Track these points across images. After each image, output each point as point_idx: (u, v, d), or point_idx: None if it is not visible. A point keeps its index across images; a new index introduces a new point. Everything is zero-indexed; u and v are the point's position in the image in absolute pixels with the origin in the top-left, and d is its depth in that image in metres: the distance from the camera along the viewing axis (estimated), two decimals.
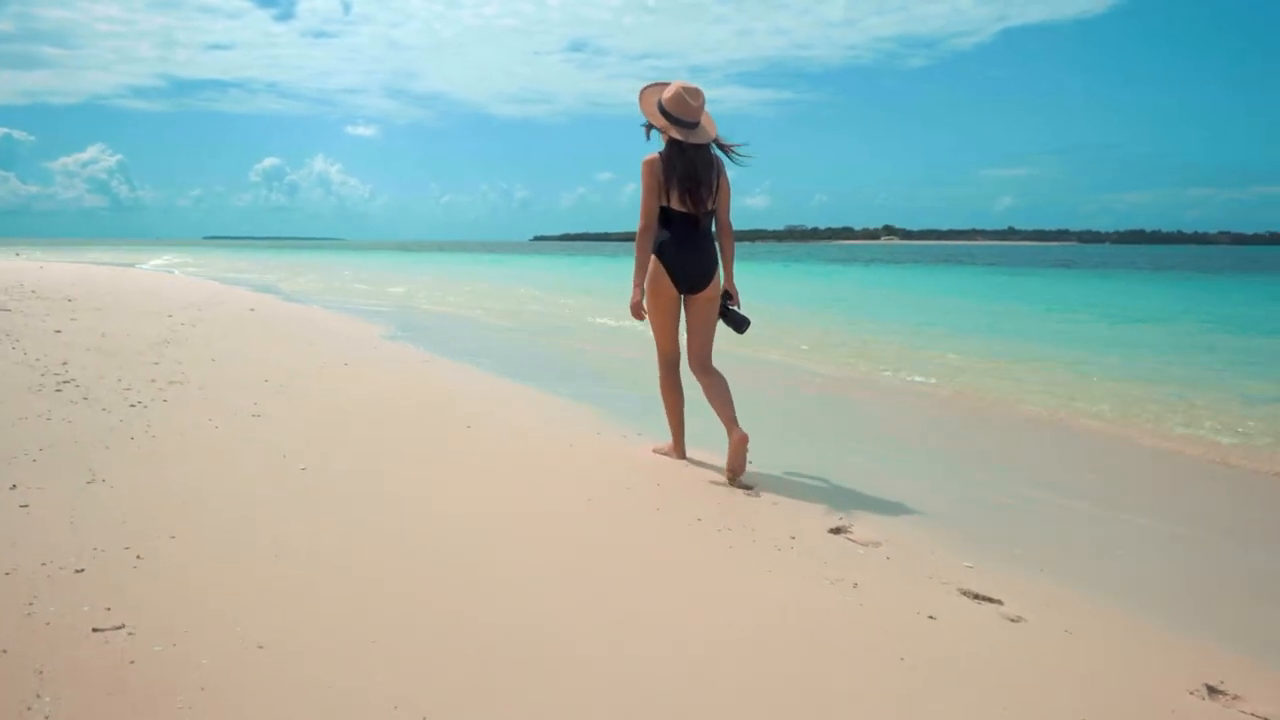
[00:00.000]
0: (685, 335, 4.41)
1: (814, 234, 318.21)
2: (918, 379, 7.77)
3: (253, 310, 12.45)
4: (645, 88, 4.30)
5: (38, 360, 6.42)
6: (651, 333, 4.44)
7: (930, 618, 2.65)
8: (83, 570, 2.66)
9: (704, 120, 4.21)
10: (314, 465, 3.98)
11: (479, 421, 5.21)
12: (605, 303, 16.20)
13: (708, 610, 2.63)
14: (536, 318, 13.91)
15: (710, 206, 4.22)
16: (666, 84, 4.22)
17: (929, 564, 3.14)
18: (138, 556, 2.79)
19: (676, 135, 4.13)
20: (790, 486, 4.11)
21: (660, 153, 4.20)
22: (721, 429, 4.14)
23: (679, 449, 4.50)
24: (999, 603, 2.81)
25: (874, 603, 2.75)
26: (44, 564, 2.69)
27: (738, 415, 4.13)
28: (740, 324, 4.39)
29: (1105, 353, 10.02)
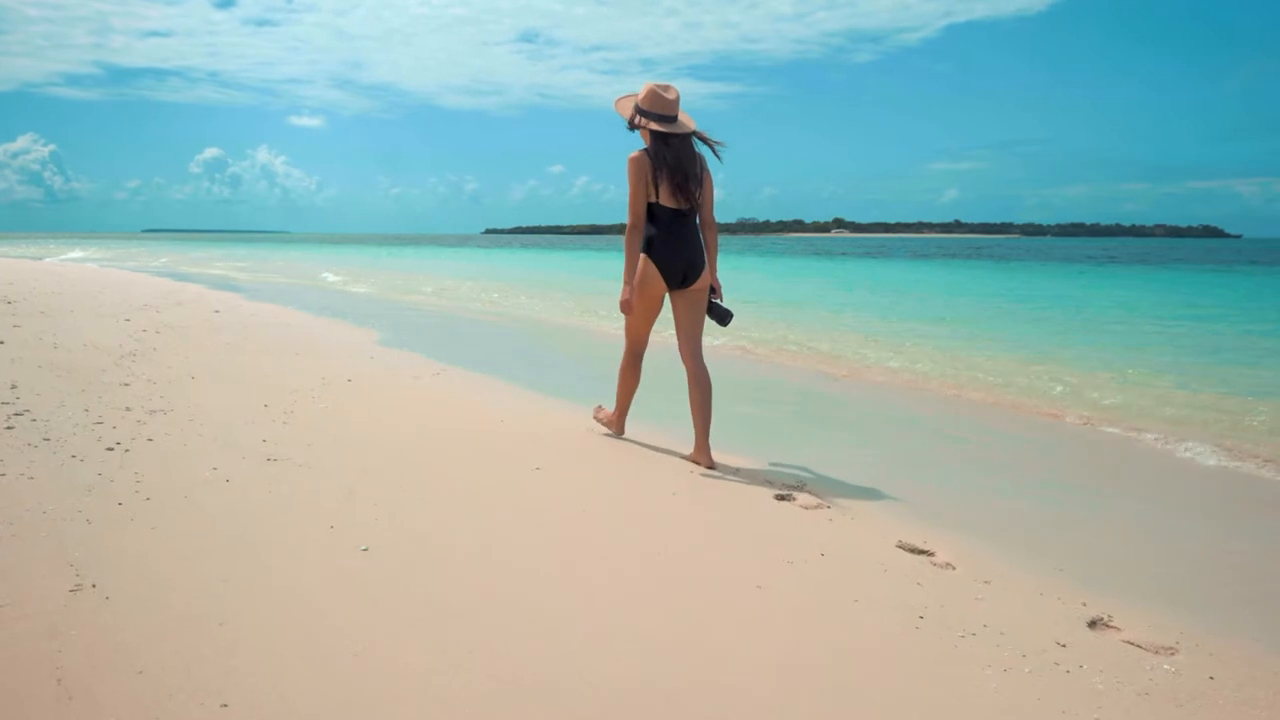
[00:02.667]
0: (675, 328, 4.44)
1: (765, 226, 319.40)
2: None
3: (218, 312, 11.21)
4: (620, 98, 4.42)
5: None
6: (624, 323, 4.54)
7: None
8: None
9: (681, 115, 4.28)
10: (378, 543, 2.94)
11: (543, 457, 4.20)
12: (577, 295, 15.18)
13: None
14: (527, 311, 12.85)
15: (698, 200, 4.28)
16: (637, 93, 4.32)
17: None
18: None
19: (659, 128, 4.19)
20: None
21: (645, 149, 4.26)
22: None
23: (620, 425, 4.71)
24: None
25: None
26: None
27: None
28: (723, 317, 4.44)
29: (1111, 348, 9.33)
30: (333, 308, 13.53)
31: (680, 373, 4.46)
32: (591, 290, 17.97)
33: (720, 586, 2.74)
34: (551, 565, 2.83)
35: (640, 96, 4.26)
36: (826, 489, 3.95)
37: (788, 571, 2.89)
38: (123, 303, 11.67)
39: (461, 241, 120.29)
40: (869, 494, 3.94)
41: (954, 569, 3.01)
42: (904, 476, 4.27)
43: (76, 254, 36.22)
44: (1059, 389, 6.94)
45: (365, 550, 2.86)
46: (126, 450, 3.89)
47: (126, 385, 5.47)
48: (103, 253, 38.69)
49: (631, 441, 4.68)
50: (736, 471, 4.18)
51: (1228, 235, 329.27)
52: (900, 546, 3.20)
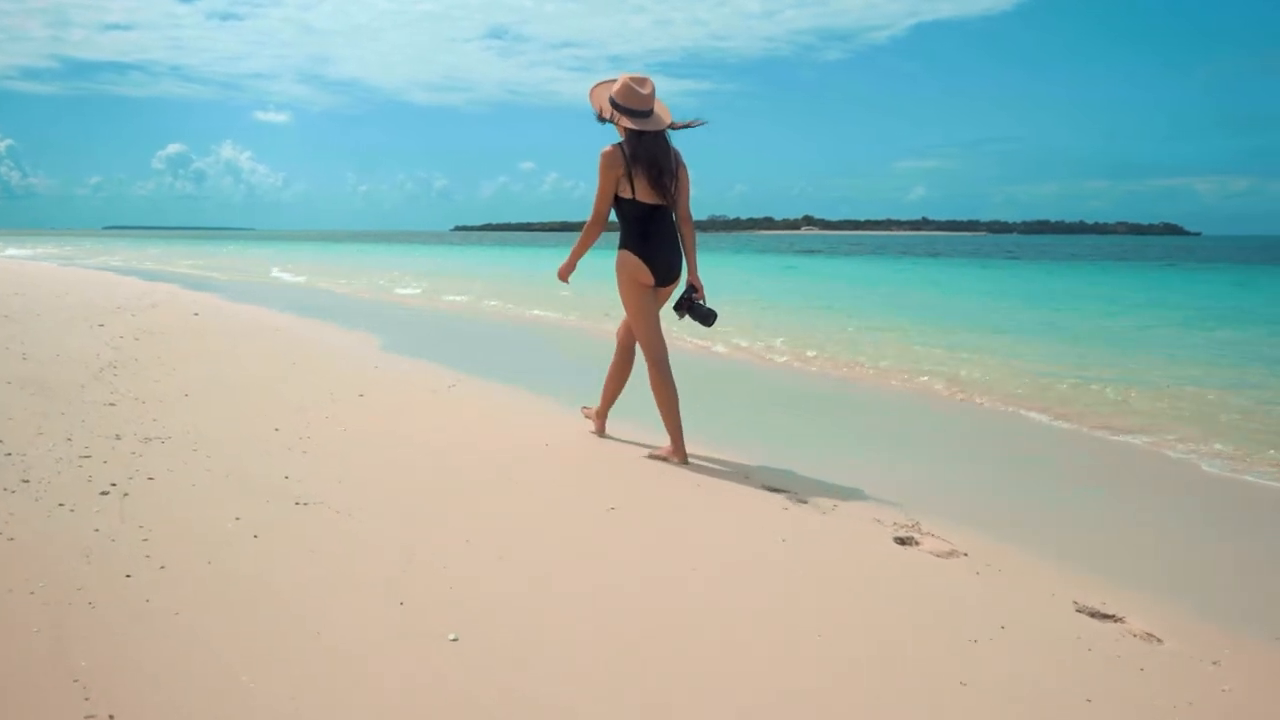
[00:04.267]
0: (624, 321, 4.38)
1: (736, 224, 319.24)
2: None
3: (197, 314, 10.43)
4: (595, 85, 4.29)
5: None
6: (623, 331, 4.54)
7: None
8: None
9: (657, 108, 4.18)
10: (466, 626, 2.31)
11: (613, 492, 3.59)
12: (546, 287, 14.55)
13: None
14: (524, 310, 12.19)
15: (674, 195, 4.18)
16: (613, 80, 4.20)
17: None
18: None
19: (631, 125, 4.09)
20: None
21: (619, 144, 4.15)
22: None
23: (680, 451, 4.23)
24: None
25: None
26: None
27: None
28: (707, 317, 4.27)
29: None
30: (318, 309, 12.78)
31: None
32: (585, 290, 17.32)
33: (868, 648, 2.15)
34: (699, 654, 2.23)
35: (615, 88, 4.15)
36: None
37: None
38: (93, 305, 10.85)
39: (435, 239, 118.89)
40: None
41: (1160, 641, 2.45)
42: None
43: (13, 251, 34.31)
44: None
45: (455, 640, 2.23)
46: (125, 494, 3.22)
47: (112, 405, 4.77)
48: (53, 250, 37.29)
49: (698, 462, 4.09)
50: (749, 483, 3.60)
51: (1188, 233, 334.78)
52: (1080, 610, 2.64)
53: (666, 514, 3.45)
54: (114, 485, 3.31)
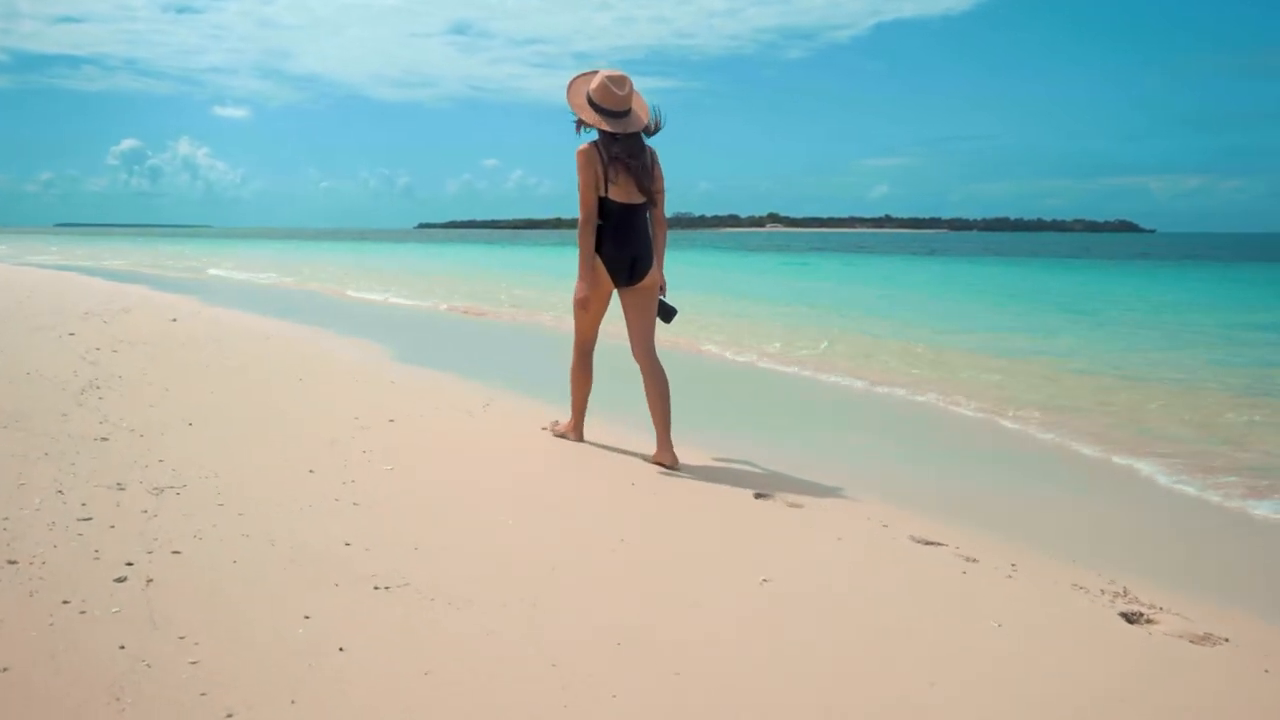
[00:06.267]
0: (626, 329, 4.34)
1: (701, 221, 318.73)
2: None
3: (174, 320, 9.52)
4: (574, 78, 4.25)
5: None
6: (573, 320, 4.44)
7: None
8: None
9: (635, 105, 4.15)
10: None
11: (763, 560, 2.87)
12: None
13: None
14: (519, 309, 11.41)
15: (650, 193, 4.17)
16: (594, 73, 4.17)
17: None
18: None
19: (607, 127, 4.06)
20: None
21: (594, 142, 4.14)
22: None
23: (578, 431, 4.50)
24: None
25: None
26: None
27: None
28: (667, 314, 4.37)
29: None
30: (305, 313, 11.91)
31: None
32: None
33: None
34: None
35: (592, 86, 4.11)
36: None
37: None
38: (58, 310, 9.87)
39: (400, 237, 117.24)
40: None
41: None
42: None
43: None
44: None
45: None
46: (149, 579, 2.42)
47: (104, 440, 3.95)
48: (3, 249, 35.72)
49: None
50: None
51: (1143, 230, 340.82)
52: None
53: (821, 585, 2.73)
54: (130, 566, 2.51)
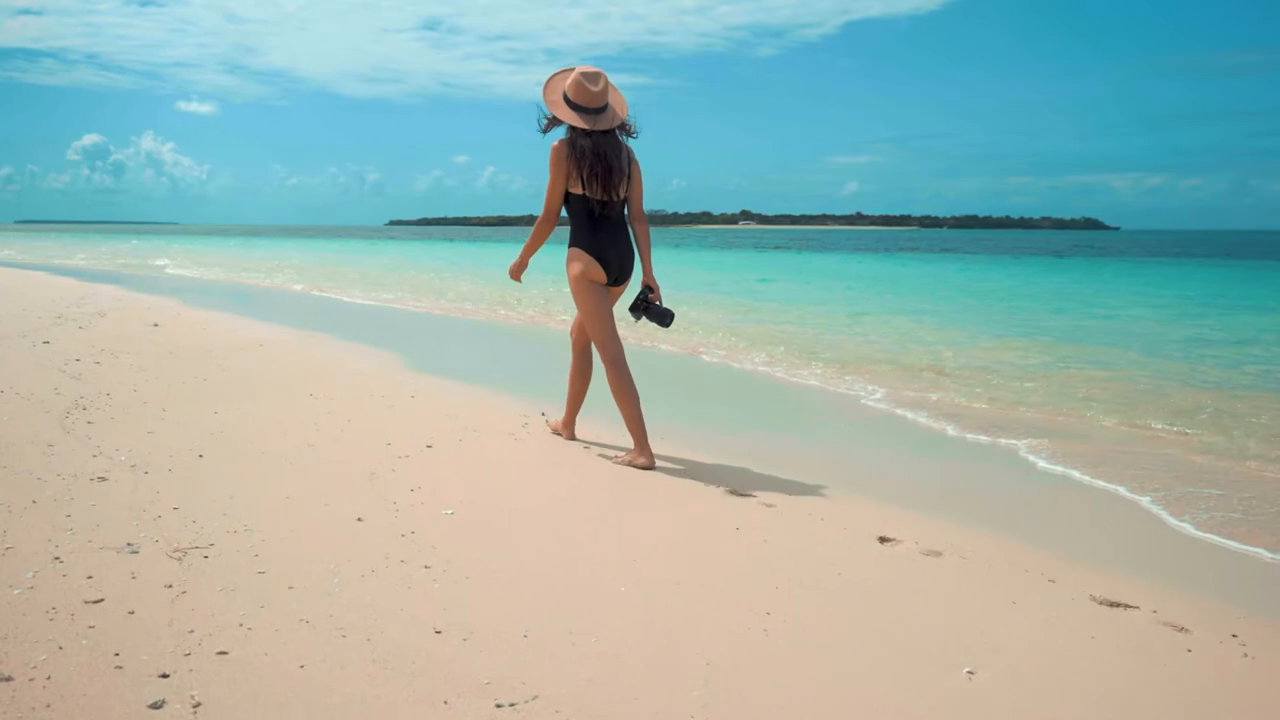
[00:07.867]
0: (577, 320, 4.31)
1: (674, 218, 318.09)
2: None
3: (157, 325, 8.78)
4: (551, 76, 4.21)
5: None
6: (576, 330, 4.46)
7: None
8: None
9: (611, 101, 4.13)
10: None
11: (962, 641, 2.30)
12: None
13: None
14: (519, 309, 10.78)
15: (623, 194, 4.14)
16: (570, 70, 4.14)
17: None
18: None
19: (580, 124, 4.04)
20: None
21: (567, 138, 4.09)
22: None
23: (647, 454, 4.10)
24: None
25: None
26: None
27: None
28: (664, 318, 4.21)
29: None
30: (294, 316, 11.20)
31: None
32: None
33: None
34: None
35: (568, 82, 4.09)
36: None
37: None
38: (27, 315, 9.09)
39: (371, 234, 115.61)
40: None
41: None
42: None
43: None
44: None
45: None
46: (196, 702, 1.78)
47: (103, 480, 3.28)
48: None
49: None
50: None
51: (1108, 227, 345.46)
52: None
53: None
54: (166, 679, 1.87)
